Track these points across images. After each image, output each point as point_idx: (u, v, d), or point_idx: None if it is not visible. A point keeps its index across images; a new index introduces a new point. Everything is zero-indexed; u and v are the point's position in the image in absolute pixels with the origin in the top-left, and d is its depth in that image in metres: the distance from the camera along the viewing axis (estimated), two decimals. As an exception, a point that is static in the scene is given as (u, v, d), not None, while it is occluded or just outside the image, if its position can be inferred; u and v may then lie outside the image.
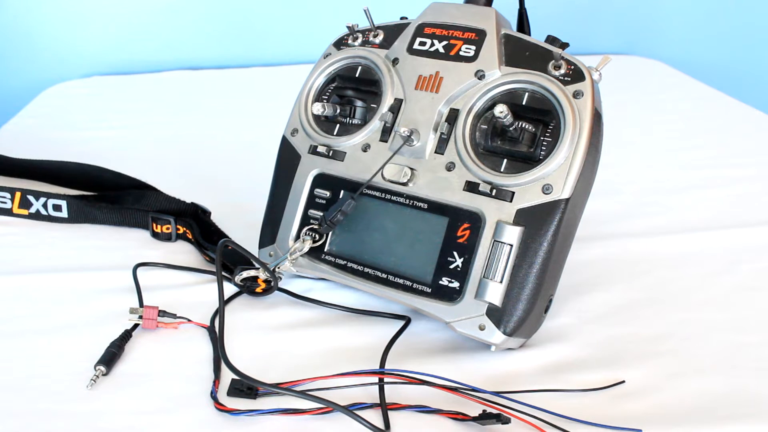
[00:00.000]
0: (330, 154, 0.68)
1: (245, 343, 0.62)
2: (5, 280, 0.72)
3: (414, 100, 0.65)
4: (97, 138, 1.14)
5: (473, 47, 0.64)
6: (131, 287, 0.69)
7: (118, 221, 0.82)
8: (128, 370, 0.59)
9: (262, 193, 0.73)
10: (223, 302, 0.63)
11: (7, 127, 1.21)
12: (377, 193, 0.66)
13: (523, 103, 0.61)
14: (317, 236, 0.66)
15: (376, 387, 0.55)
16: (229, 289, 0.69)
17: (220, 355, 0.57)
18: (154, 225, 0.80)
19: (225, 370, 0.56)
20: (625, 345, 0.62)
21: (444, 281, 0.61)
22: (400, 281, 0.63)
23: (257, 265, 0.66)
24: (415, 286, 0.62)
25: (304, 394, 0.53)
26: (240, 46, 1.57)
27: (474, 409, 0.53)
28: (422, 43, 0.67)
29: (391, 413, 0.53)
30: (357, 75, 0.70)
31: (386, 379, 0.56)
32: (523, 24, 0.71)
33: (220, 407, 0.53)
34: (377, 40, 0.70)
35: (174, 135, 1.16)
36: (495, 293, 0.59)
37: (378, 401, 0.54)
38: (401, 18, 0.71)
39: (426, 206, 0.63)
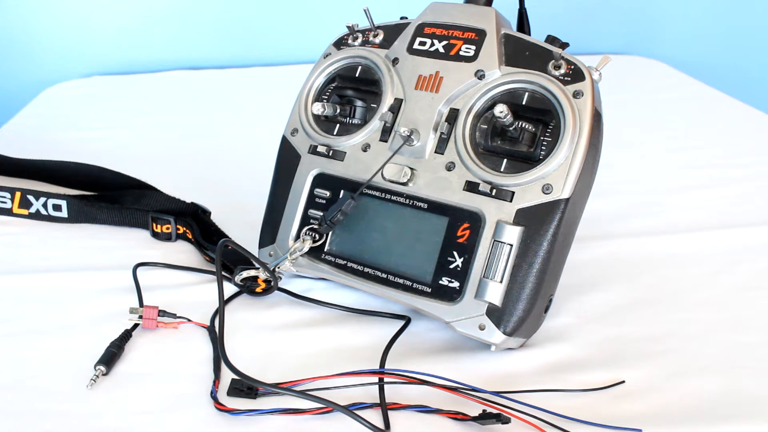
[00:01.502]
0: (330, 154, 0.68)
1: (245, 343, 0.62)
2: (5, 280, 0.72)
3: (414, 99, 0.65)
4: (97, 138, 1.14)
5: (473, 47, 0.64)
6: (131, 287, 0.69)
7: (118, 221, 0.82)
8: (128, 370, 0.59)
9: (262, 193, 0.73)
10: (223, 302, 0.63)
11: (7, 127, 1.21)
12: (377, 193, 0.66)
13: (523, 102, 0.61)
14: (317, 236, 0.66)
15: (376, 387, 0.55)
16: (229, 289, 0.69)
17: (220, 355, 0.57)
18: (154, 225, 0.80)
19: (225, 370, 0.56)
20: (625, 345, 0.62)
21: (444, 281, 0.61)
22: (400, 281, 0.63)
23: (257, 265, 0.66)
24: (415, 285, 0.62)
25: (304, 394, 0.53)
26: (240, 46, 1.57)
27: (474, 409, 0.53)
28: (422, 43, 0.67)
29: (391, 413, 0.53)
30: (357, 75, 0.70)
31: (386, 379, 0.56)
32: (523, 24, 0.71)
33: (220, 407, 0.53)
34: (377, 40, 0.70)
35: (174, 135, 1.16)
36: (495, 293, 0.59)
37: (378, 401, 0.54)
38: (401, 18, 0.71)
39: (426, 206, 0.63)
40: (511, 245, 0.59)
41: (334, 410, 0.52)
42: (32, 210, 0.84)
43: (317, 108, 0.67)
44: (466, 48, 0.65)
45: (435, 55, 0.66)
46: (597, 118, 0.60)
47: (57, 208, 0.83)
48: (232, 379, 0.56)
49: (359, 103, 0.69)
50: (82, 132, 1.17)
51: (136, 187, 0.88)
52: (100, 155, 0.97)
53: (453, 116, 0.64)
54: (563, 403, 0.54)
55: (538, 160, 0.60)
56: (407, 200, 0.64)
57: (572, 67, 0.61)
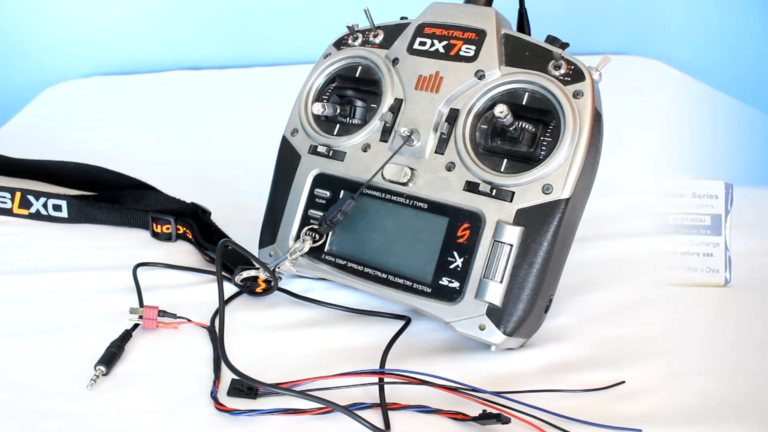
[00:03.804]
0: (330, 154, 0.68)
1: (245, 343, 0.62)
2: (5, 280, 0.72)
3: (414, 100, 0.65)
4: (97, 138, 1.14)
5: (473, 47, 0.64)
6: (131, 287, 0.69)
7: (118, 221, 0.82)
8: (128, 370, 0.59)
9: (262, 193, 0.73)
10: (223, 302, 0.63)
11: (7, 127, 1.21)
12: (377, 193, 0.66)
13: (523, 103, 0.61)
14: (317, 236, 0.66)
15: (376, 387, 0.55)
16: (229, 289, 0.69)
17: (220, 355, 0.57)
18: (154, 225, 0.80)
19: (225, 370, 0.56)
20: (625, 345, 0.62)
21: (444, 281, 0.61)
22: (400, 281, 0.63)
23: (257, 265, 0.66)
24: (415, 286, 0.62)
25: (304, 394, 0.53)
26: (240, 46, 1.57)
27: (474, 409, 0.53)
28: (422, 43, 0.67)
29: (391, 413, 0.53)
30: (357, 75, 0.70)
31: (386, 379, 0.56)
32: (523, 24, 0.71)
33: (220, 407, 0.53)
34: (377, 40, 0.70)
35: (174, 135, 1.16)
36: (495, 293, 0.59)
37: (378, 401, 0.54)
38: (401, 18, 0.71)
39: (426, 206, 0.63)
40: (511, 245, 0.59)
41: (334, 410, 0.52)
42: (32, 210, 0.84)
43: (317, 108, 0.67)
44: (466, 48, 0.65)
45: (435, 55, 0.66)
46: (597, 118, 0.60)
47: (57, 208, 0.83)
48: (232, 380, 0.56)
49: (359, 103, 0.69)
50: (82, 132, 1.17)
51: (136, 187, 0.88)
52: (100, 155, 0.97)
53: (453, 116, 0.64)
54: (563, 403, 0.54)
55: (538, 160, 0.60)
56: (407, 200, 0.64)
57: (572, 67, 0.61)
